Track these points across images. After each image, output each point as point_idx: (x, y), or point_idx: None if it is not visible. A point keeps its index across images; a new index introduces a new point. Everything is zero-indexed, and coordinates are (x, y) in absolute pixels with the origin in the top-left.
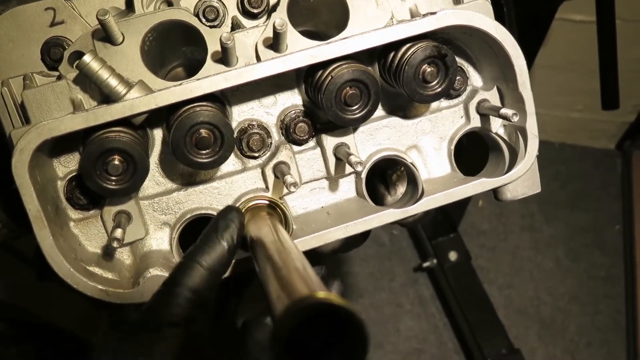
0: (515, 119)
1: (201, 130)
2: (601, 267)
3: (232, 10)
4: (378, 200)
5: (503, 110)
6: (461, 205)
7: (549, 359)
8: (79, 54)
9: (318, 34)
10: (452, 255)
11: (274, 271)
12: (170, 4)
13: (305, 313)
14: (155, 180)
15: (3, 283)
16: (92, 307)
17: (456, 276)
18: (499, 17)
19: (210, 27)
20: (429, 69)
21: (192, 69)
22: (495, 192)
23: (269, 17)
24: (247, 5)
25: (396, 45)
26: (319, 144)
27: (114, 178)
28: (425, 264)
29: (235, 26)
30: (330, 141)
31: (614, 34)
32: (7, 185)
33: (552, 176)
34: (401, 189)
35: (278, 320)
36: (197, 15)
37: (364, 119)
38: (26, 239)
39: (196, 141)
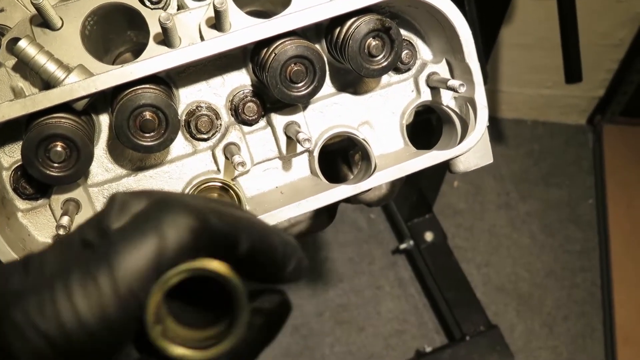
0: (463, 89)
1: (145, 113)
2: (576, 241)
3: None
4: (340, 179)
5: (450, 82)
6: (436, 186)
7: (527, 334)
8: (17, 41)
9: (267, 13)
10: (428, 236)
11: None
12: None
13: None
14: (104, 167)
15: None
16: None
17: (433, 256)
18: None
19: (155, 9)
20: (373, 43)
21: (140, 53)
22: (449, 166)
23: None
24: None
25: (341, 20)
26: (269, 123)
27: (56, 165)
28: (402, 246)
29: (181, 8)
30: (280, 120)
31: (573, 7)
32: None
33: (525, 154)
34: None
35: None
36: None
37: (311, 95)
38: None
39: (140, 124)
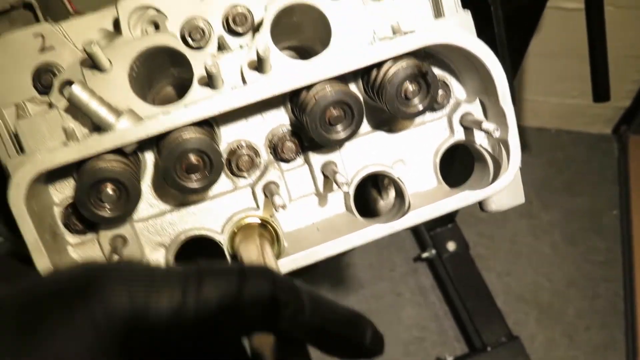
0: (497, 134)
1: (190, 156)
2: (599, 252)
3: (218, 29)
4: (370, 203)
5: (485, 125)
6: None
7: (548, 343)
8: (69, 83)
9: (303, 48)
10: (451, 246)
11: None
12: (156, 25)
13: None
14: (149, 203)
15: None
16: None
17: (454, 266)
18: (487, 16)
19: (197, 47)
20: (410, 87)
21: (181, 87)
22: (480, 204)
23: (254, 34)
24: (232, 25)
25: (378, 62)
26: (307, 161)
27: (108, 206)
28: (424, 255)
29: (221, 45)
30: (317, 159)
31: (603, 28)
32: (6, 201)
33: (548, 162)
34: (392, 192)
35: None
36: (183, 37)
37: (349, 138)
38: None
39: (186, 167)
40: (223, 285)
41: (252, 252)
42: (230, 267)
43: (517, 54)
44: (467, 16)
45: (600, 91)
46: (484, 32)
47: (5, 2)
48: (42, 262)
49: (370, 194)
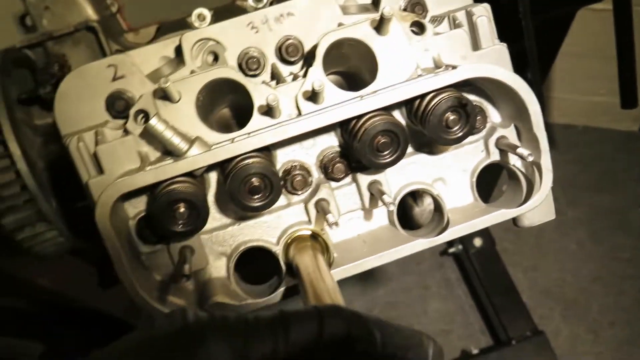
0: (530, 159)
1: (253, 180)
2: (624, 249)
3: (271, 57)
4: (406, 209)
5: (519, 150)
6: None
7: (572, 339)
8: (142, 112)
9: (349, 73)
10: (477, 241)
11: (312, 297)
12: (215, 56)
13: None
14: (212, 216)
15: (57, 275)
16: None
17: (481, 261)
18: (518, 30)
19: (253, 75)
20: (451, 117)
21: (237, 109)
22: (513, 219)
23: (304, 63)
24: (284, 54)
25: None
26: (355, 180)
27: (180, 222)
28: (451, 250)
29: (274, 73)
30: (364, 179)
31: (631, 33)
32: (69, 202)
33: (575, 159)
34: (427, 199)
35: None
36: (240, 66)
37: (395, 162)
38: None
39: (249, 189)
40: (306, 329)
41: (308, 264)
42: (310, 311)
43: (547, 60)
44: (503, 48)
45: (628, 98)
46: (515, 43)
47: (69, 25)
48: (123, 272)
49: (406, 201)
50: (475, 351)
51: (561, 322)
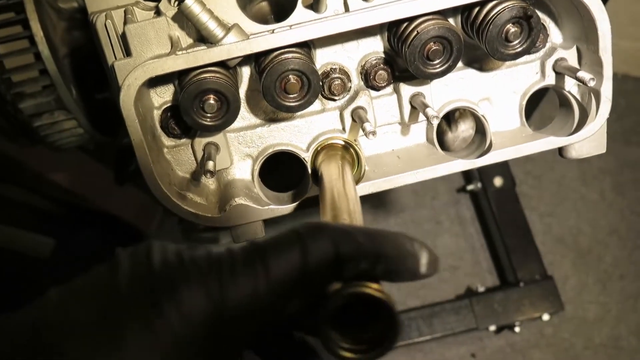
0: (592, 83)
1: (290, 77)
2: None
3: None
4: (439, 134)
5: (580, 74)
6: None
7: (580, 287)
8: None
9: None
10: (497, 181)
11: (329, 210)
12: None
13: (349, 299)
14: (241, 115)
15: (69, 174)
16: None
17: (499, 201)
18: None
19: None
20: (512, 29)
21: (276, 4)
22: (560, 149)
23: None
24: None
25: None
26: (396, 91)
27: (209, 115)
28: (469, 187)
29: None
30: (407, 90)
31: None
32: (90, 95)
33: None
34: (462, 126)
35: (327, 297)
36: None
37: (444, 73)
38: None
39: (285, 86)
40: (289, 260)
41: (333, 172)
42: (289, 237)
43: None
44: None
45: None
46: None
47: None
48: (144, 161)
49: (440, 124)
50: (481, 289)
51: (570, 270)
